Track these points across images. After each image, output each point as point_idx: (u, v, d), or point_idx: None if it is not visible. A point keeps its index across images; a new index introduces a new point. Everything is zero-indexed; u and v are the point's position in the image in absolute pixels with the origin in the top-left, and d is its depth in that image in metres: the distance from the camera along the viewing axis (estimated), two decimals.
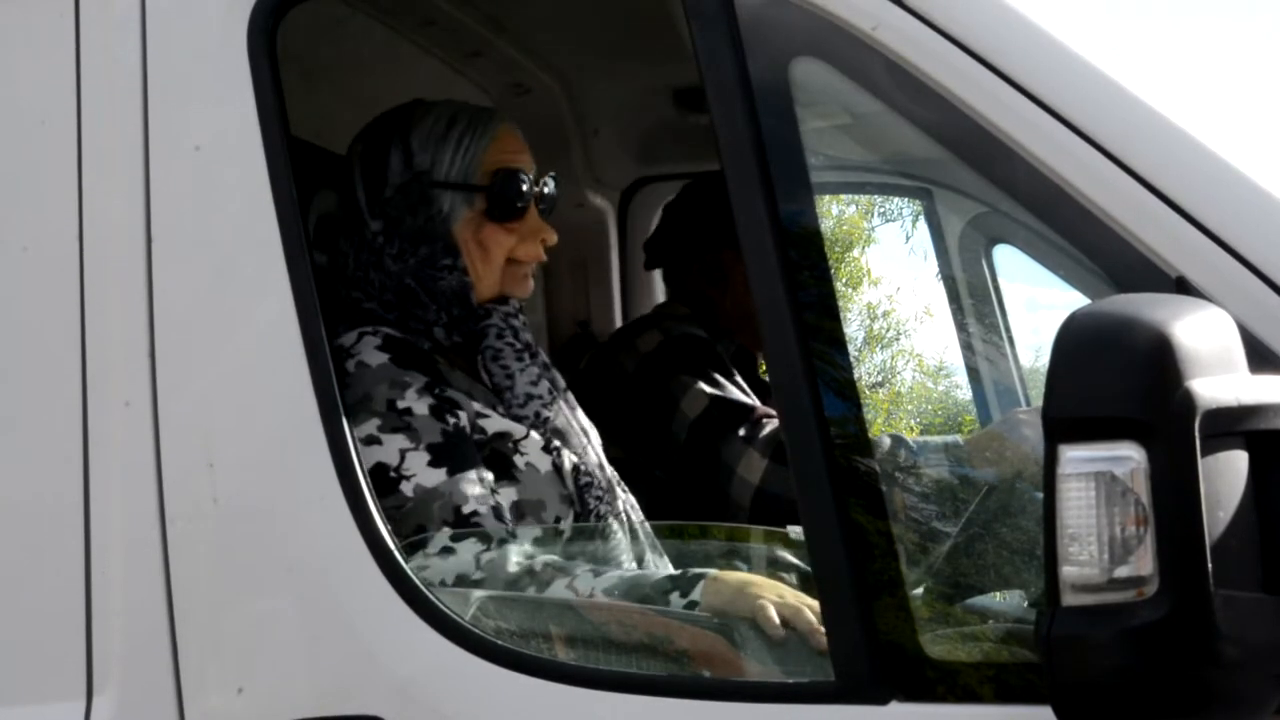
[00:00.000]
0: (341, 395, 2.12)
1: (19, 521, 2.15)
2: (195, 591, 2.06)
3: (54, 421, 2.12)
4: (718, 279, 3.46)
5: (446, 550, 2.22)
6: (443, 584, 2.19)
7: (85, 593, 2.08)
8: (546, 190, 2.63)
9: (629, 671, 2.03)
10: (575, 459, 2.50)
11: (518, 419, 2.47)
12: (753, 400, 3.27)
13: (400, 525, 2.23)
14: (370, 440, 2.29)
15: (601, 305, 4.05)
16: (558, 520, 2.40)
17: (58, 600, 2.10)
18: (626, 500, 2.60)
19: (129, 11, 2.15)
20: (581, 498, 2.46)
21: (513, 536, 2.30)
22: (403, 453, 2.30)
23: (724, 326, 3.47)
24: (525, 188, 2.56)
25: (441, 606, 2.00)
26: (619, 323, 3.98)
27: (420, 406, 2.34)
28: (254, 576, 2.06)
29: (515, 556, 2.25)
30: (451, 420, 2.37)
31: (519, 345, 2.54)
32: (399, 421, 2.32)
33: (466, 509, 2.28)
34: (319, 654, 2.03)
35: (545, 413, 2.51)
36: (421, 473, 2.29)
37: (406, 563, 2.04)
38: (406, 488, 2.28)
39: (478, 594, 2.12)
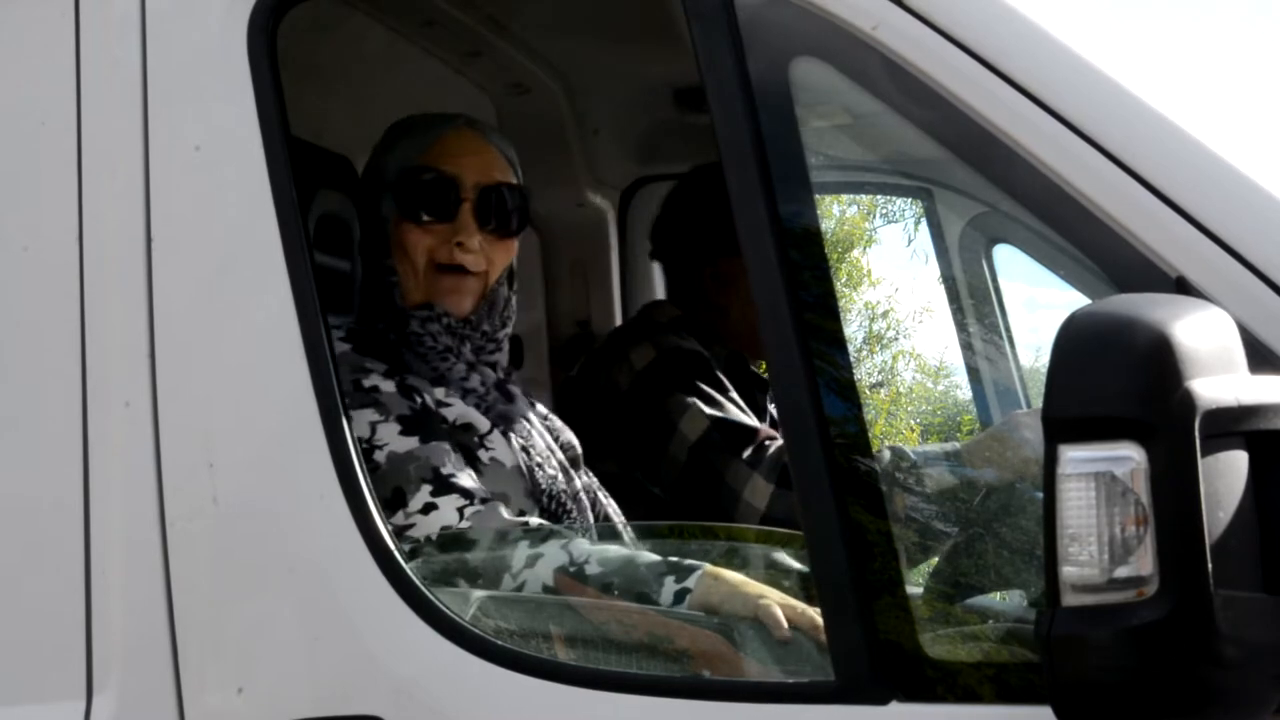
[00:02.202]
0: None
1: (19, 521, 2.15)
2: (195, 591, 2.06)
3: (54, 421, 2.12)
4: (728, 286, 3.40)
5: (429, 506, 2.26)
6: (427, 540, 2.21)
7: (85, 593, 2.08)
8: (488, 197, 2.58)
9: (629, 671, 2.03)
10: (521, 442, 2.52)
11: None
12: (753, 420, 3.24)
13: (378, 488, 2.23)
14: None
15: (601, 305, 4.05)
16: (523, 514, 2.41)
17: (58, 600, 2.10)
18: (604, 503, 2.61)
19: (129, 12, 2.15)
20: (534, 480, 2.47)
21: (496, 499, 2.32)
22: (373, 425, 2.33)
23: (724, 334, 3.43)
24: (438, 190, 2.56)
25: (441, 606, 2.00)
26: (619, 322, 3.97)
27: (386, 385, 2.40)
28: (254, 576, 2.06)
29: (504, 511, 2.26)
30: (418, 400, 2.42)
31: (439, 348, 2.55)
32: (366, 398, 2.36)
33: (445, 470, 2.31)
34: (319, 654, 2.03)
35: (485, 403, 2.53)
36: (393, 441, 2.33)
37: (400, 551, 2.04)
38: (380, 456, 2.31)
39: (478, 594, 2.12)
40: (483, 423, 2.48)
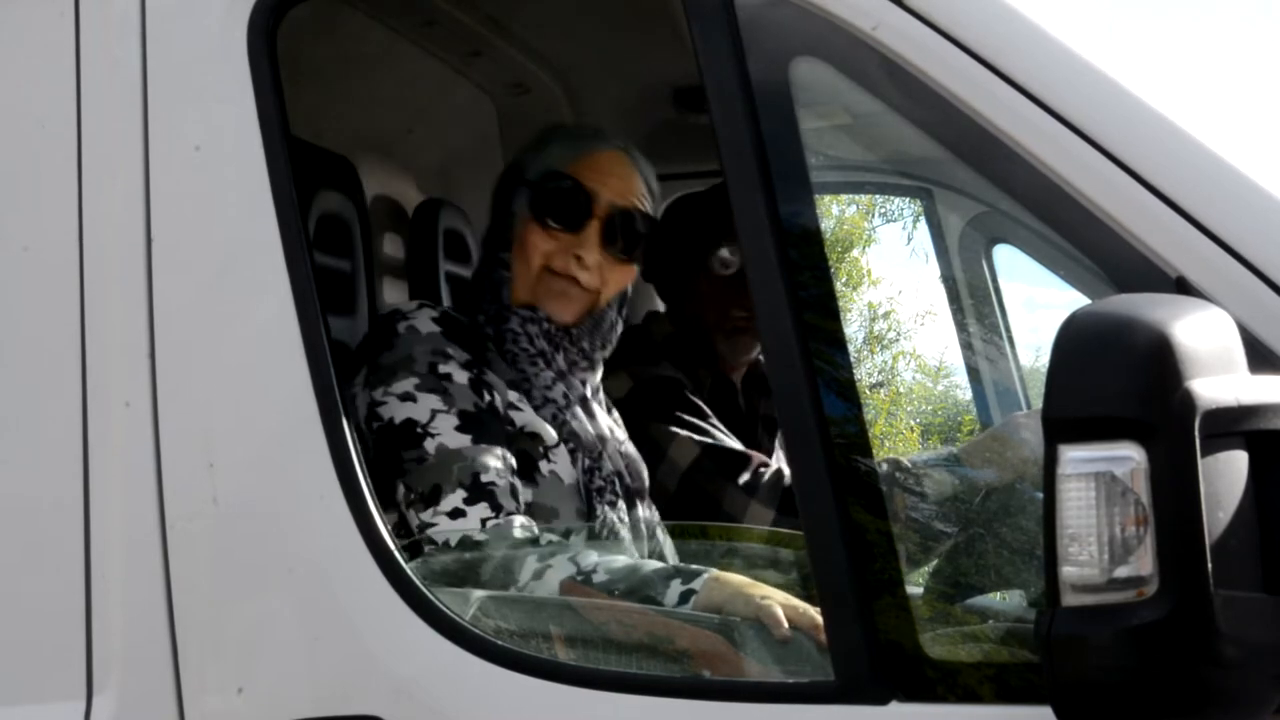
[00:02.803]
0: (383, 354, 2.36)
1: (19, 521, 2.15)
2: (195, 591, 2.06)
3: (54, 422, 2.12)
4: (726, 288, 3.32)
5: (457, 512, 2.26)
6: (446, 545, 2.22)
7: (85, 593, 2.08)
8: (619, 219, 2.58)
9: (629, 671, 2.03)
10: (590, 463, 2.52)
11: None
12: (742, 446, 3.21)
13: (416, 479, 2.28)
14: (406, 397, 2.34)
15: None
16: (568, 534, 2.41)
17: (58, 600, 2.10)
18: (660, 540, 2.61)
19: (129, 12, 2.15)
20: (591, 503, 2.47)
21: (524, 514, 2.32)
22: (434, 412, 2.34)
23: (713, 343, 3.38)
24: (572, 199, 2.56)
25: (441, 606, 2.00)
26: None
27: (460, 376, 2.39)
28: (254, 576, 2.06)
29: (519, 528, 2.27)
30: (487, 398, 2.41)
31: (533, 351, 2.54)
32: (437, 384, 2.36)
33: (485, 478, 2.30)
34: (319, 654, 2.03)
35: (562, 416, 2.52)
36: (447, 434, 2.33)
37: (412, 538, 2.06)
38: (430, 445, 2.31)
39: (478, 594, 2.12)
40: (550, 435, 2.47)
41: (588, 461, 2.52)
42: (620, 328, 2.70)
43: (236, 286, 2.12)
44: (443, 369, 2.37)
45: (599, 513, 2.48)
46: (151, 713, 2.06)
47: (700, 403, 3.24)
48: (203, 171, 2.12)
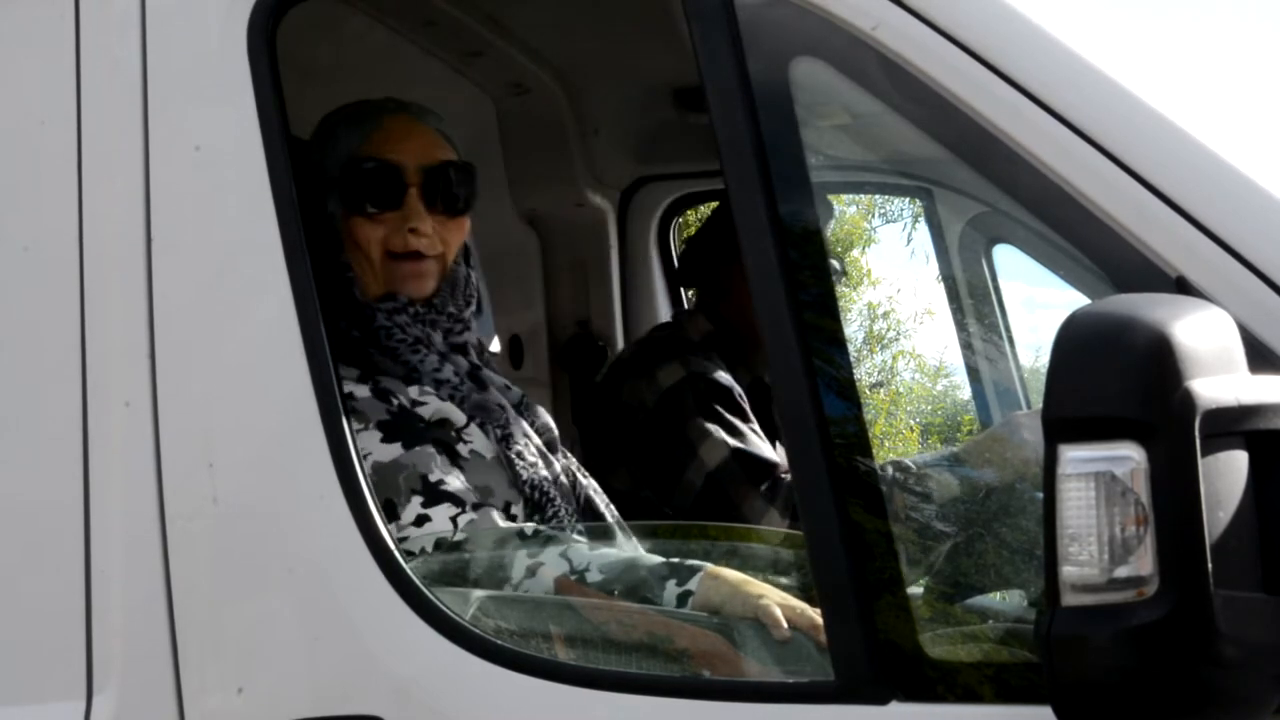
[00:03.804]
0: None
1: (19, 521, 2.15)
2: (195, 591, 2.06)
3: (54, 422, 2.12)
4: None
5: (422, 519, 2.24)
6: (423, 552, 2.20)
7: (85, 592, 2.08)
8: (433, 178, 2.55)
9: (629, 671, 2.03)
10: (501, 431, 2.50)
11: None
12: (773, 454, 3.23)
13: None
14: None
15: (601, 305, 4.05)
16: (508, 506, 2.40)
17: (58, 600, 2.10)
18: (584, 484, 2.60)
19: (129, 12, 2.15)
20: (514, 470, 2.44)
21: (486, 504, 2.31)
22: (352, 435, 2.26)
23: (752, 344, 3.42)
24: (383, 179, 2.52)
25: (441, 606, 2.00)
26: (619, 323, 3.97)
27: (361, 390, 2.37)
28: (254, 576, 2.06)
29: (497, 517, 2.26)
30: (395, 401, 2.39)
31: (409, 340, 2.51)
32: (344, 406, 2.32)
33: (433, 478, 2.29)
34: (319, 654, 2.03)
35: (460, 394, 2.50)
36: (376, 450, 2.30)
37: (406, 562, 2.04)
38: (365, 466, 2.27)
39: (477, 594, 2.12)
40: (459, 416, 2.45)
41: (499, 431, 2.49)
42: (475, 280, 2.67)
43: (236, 286, 2.12)
44: (344, 390, 2.26)
45: (524, 476, 2.45)
46: (151, 713, 2.06)
47: (745, 406, 3.27)
48: (203, 171, 2.12)
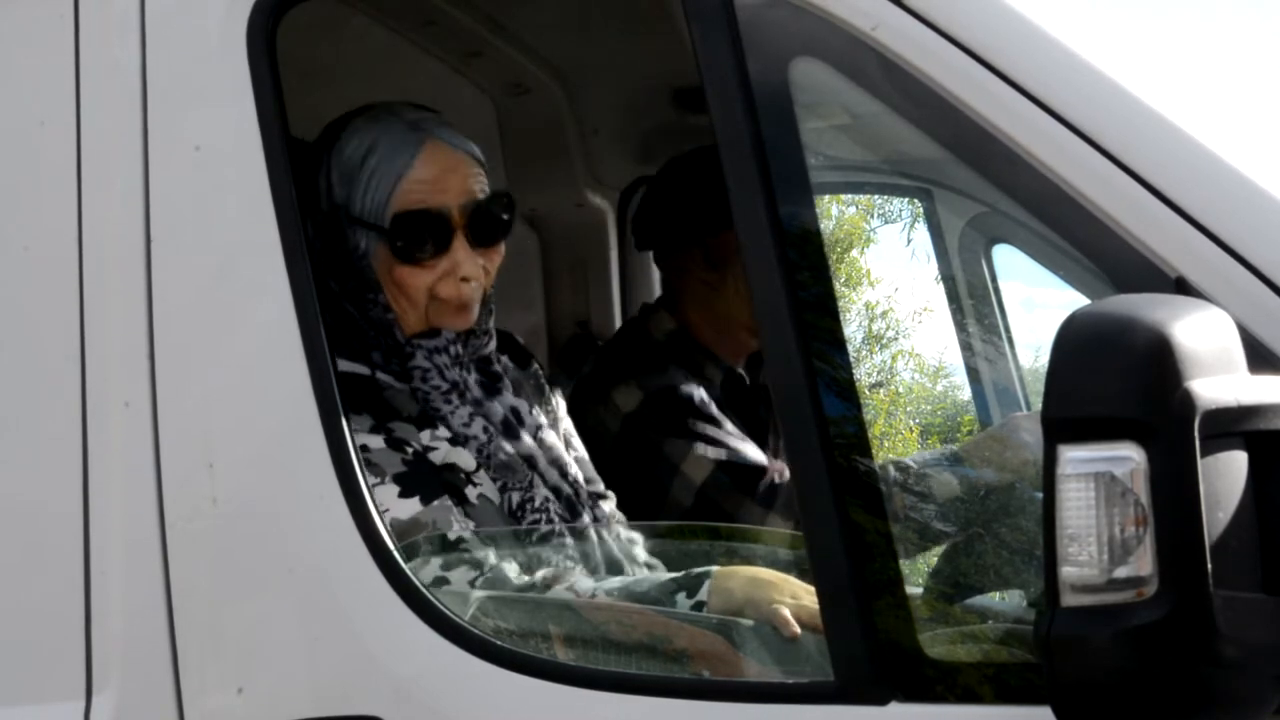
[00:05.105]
0: None
1: (19, 521, 2.15)
2: (195, 591, 2.06)
3: (54, 422, 2.12)
4: (721, 264, 3.25)
5: (440, 580, 2.18)
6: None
7: (85, 593, 2.08)
8: (478, 217, 2.46)
9: (629, 671, 2.03)
10: (521, 495, 2.42)
11: None
12: (758, 454, 3.16)
13: None
14: None
15: (601, 305, 4.04)
16: (515, 555, 2.33)
17: (57, 600, 2.10)
18: (606, 512, 2.56)
19: (129, 12, 2.15)
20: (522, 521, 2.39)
21: (495, 547, 2.27)
22: (369, 489, 2.16)
23: (722, 320, 3.29)
24: (433, 228, 2.43)
25: (441, 607, 2.00)
26: (619, 323, 3.97)
27: (375, 441, 2.29)
28: (254, 576, 2.06)
29: (511, 575, 2.23)
30: (410, 449, 2.33)
31: (444, 386, 2.43)
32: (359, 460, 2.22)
33: (453, 535, 2.25)
34: (318, 654, 2.03)
35: (486, 450, 2.42)
36: (394, 505, 2.24)
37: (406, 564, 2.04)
38: (384, 521, 2.17)
39: (477, 594, 2.12)
40: (469, 460, 2.38)
41: (517, 496, 2.42)
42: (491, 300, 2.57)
43: (236, 287, 2.12)
44: (358, 443, 2.18)
45: (534, 537, 2.39)
46: (151, 713, 2.06)
47: (714, 412, 3.19)
48: (203, 171, 2.12)
